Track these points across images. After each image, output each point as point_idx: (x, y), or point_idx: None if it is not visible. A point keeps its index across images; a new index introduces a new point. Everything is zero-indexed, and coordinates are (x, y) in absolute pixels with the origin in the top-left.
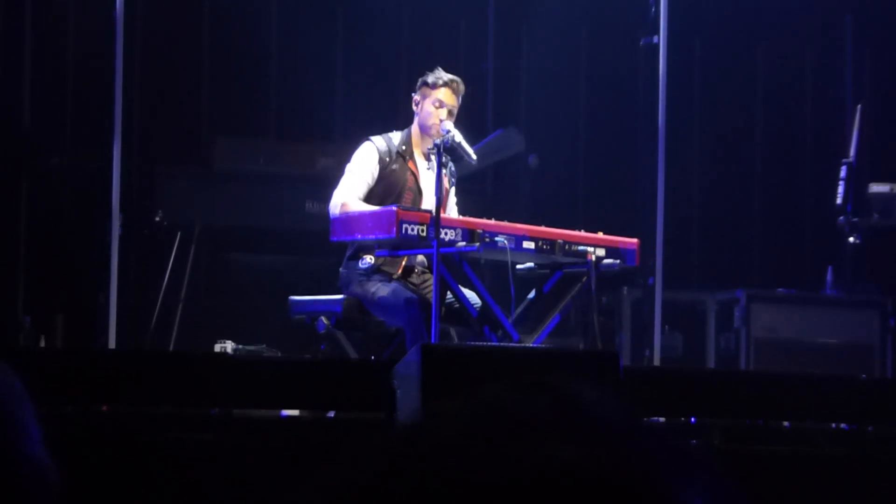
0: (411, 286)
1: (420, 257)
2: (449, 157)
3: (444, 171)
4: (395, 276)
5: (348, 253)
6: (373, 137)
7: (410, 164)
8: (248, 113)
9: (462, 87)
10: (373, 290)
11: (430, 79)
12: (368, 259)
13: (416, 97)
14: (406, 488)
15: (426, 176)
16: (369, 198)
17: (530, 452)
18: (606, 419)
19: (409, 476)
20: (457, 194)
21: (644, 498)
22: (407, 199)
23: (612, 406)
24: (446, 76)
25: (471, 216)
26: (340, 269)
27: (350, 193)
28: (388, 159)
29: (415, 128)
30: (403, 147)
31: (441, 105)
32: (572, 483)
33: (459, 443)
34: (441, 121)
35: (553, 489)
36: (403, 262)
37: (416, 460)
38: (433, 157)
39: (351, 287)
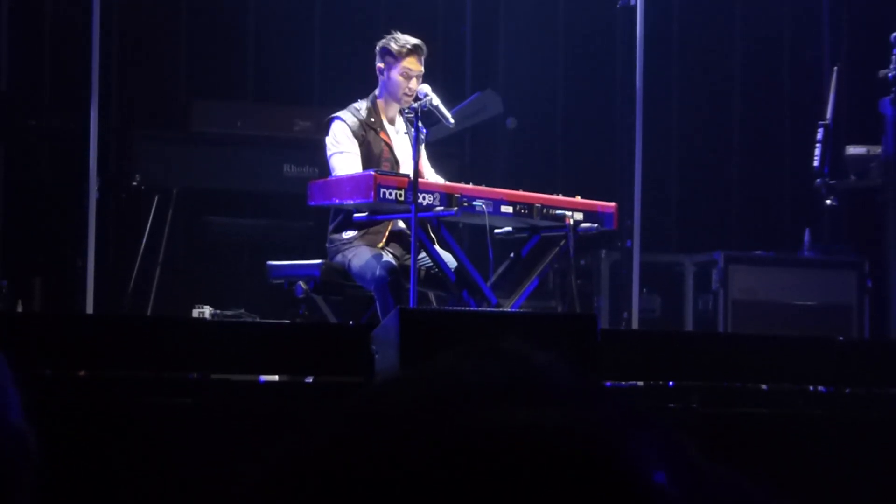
0: (390, 254)
1: (403, 224)
2: (425, 120)
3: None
4: (379, 245)
5: (331, 227)
6: (339, 114)
7: (382, 135)
8: (226, 75)
9: (425, 50)
10: (350, 255)
11: (395, 47)
12: (352, 232)
13: (381, 65)
14: (359, 456)
15: (399, 143)
16: None
17: (482, 417)
18: (558, 382)
19: (361, 444)
20: (432, 157)
21: (599, 459)
22: (385, 169)
23: (564, 369)
24: (410, 42)
25: (449, 180)
26: (326, 245)
27: (353, 172)
28: (361, 132)
29: (378, 95)
30: (372, 119)
31: (409, 75)
32: (526, 447)
33: (411, 410)
34: (411, 90)
35: (506, 453)
36: (388, 231)
37: (369, 428)
38: (411, 121)
39: (336, 257)
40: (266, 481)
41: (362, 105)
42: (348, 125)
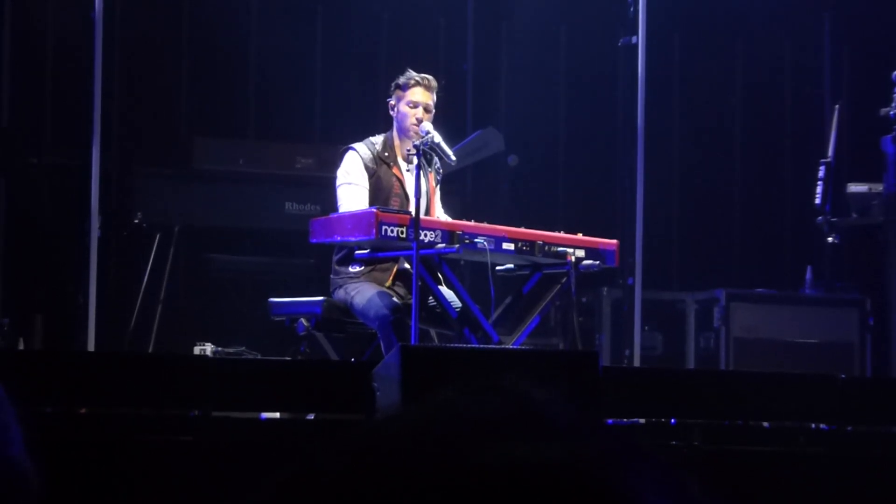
0: (394, 293)
1: (409, 264)
2: (431, 156)
3: (430, 169)
4: (386, 284)
5: (336, 258)
6: (354, 145)
7: (395, 170)
8: (228, 113)
9: (435, 83)
10: (353, 292)
11: (402, 80)
12: (359, 267)
13: (392, 101)
14: (359, 492)
15: (411, 179)
16: None
17: (482, 453)
18: (557, 417)
19: (361, 480)
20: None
21: (599, 494)
22: (394, 205)
23: (563, 404)
24: (417, 75)
25: (451, 217)
26: (331, 276)
27: (358, 206)
28: (373, 166)
29: (394, 132)
30: (386, 153)
31: (415, 105)
32: (526, 482)
33: (412, 445)
34: (418, 120)
35: (506, 489)
36: (395, 270)
37: (370, 464)
38: (413, 159)
39: (338, 292)
40: None
41: (378, 139)
42: (361, 157)
